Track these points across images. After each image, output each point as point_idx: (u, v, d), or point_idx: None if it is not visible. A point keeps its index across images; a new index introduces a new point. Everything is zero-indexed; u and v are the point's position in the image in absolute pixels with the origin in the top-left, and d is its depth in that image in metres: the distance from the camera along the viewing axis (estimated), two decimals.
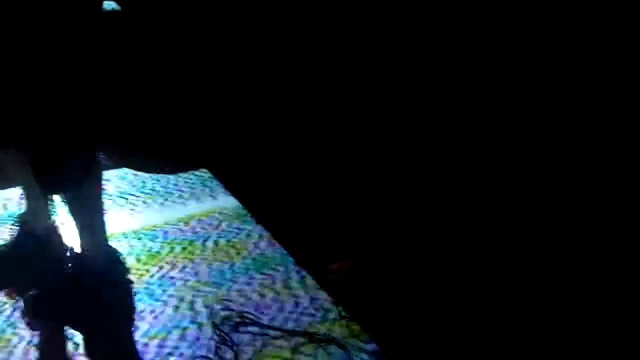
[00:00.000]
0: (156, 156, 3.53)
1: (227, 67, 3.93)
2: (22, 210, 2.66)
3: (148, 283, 2.47)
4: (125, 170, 3.35)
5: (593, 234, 2.51)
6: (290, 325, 2.19)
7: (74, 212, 2.39)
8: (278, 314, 2.25)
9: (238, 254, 2.63)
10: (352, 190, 3.03)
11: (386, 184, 3.05)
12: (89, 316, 2.26)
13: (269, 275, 2.48)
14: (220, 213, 2.93)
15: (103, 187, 2.40)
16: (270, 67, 3.80)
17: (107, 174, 3.32)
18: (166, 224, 2.85)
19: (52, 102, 2.12)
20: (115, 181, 3.24)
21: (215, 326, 2.19)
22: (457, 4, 2.99)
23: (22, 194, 2.64)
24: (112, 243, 2.58)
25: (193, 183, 3.21)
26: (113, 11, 3.94)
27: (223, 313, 2.26)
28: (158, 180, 3.26)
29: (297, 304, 2.31)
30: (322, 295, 2.34)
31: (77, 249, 2.44)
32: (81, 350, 2.14)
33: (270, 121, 3.67)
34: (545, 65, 2.72)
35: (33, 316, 2.26)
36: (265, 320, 2.22)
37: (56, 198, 2.50)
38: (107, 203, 2.99)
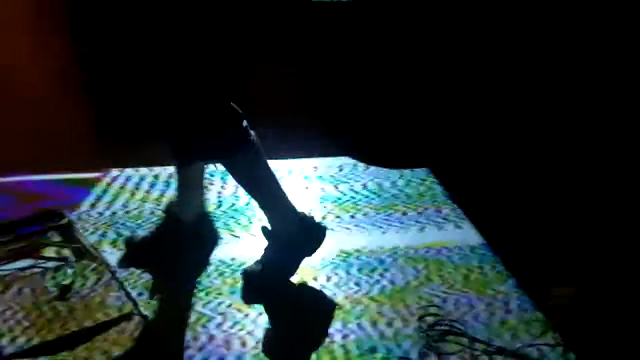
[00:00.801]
0: (381, 148, 3.65)
1: (452, 67, 3.97)
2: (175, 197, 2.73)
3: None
4: (348, 159, 3.53)
5: None
6: (499, 343, 2.12)
7: (242, 186, 2.44)
8: (487, 330, 2.20)
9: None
10: (581, 213, 2.92)
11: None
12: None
13: (490, 292, 2.43)
14: (443, 218, 2.96)
15: (265, 168, 2.38)
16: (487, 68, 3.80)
17: (329, 161, 3.55)
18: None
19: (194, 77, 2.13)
20: (334, 168, 3.44)
21: (423, 331, 2.19)
22: None
23: (175, 180, 2.69)
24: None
25: (412, 181, 3.29)
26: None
27: (432, 319, 2.25)
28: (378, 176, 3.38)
29: (510, 324, 2.24)
30: (540, 318, 2.25)
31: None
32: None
33: (490, 125, 3.66)
34: None
35: None
36: (473, 333, 2.17)
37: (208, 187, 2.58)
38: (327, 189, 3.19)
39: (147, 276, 2.52)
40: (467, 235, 2.79)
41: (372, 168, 3.41)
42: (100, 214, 3.01)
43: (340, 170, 3.43)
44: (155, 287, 2.46)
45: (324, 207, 3.04)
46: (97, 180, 3.33)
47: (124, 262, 2.60)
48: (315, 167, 3.48)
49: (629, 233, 2.74)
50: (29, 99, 4.24)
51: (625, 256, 2.59)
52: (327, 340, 2.17)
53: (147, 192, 3.22)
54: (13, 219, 2.83)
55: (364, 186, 3.24)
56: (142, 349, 2.10)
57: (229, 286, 2.45)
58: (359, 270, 2.55)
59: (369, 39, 4.15)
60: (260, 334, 2.20)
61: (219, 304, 2.36)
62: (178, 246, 2.62)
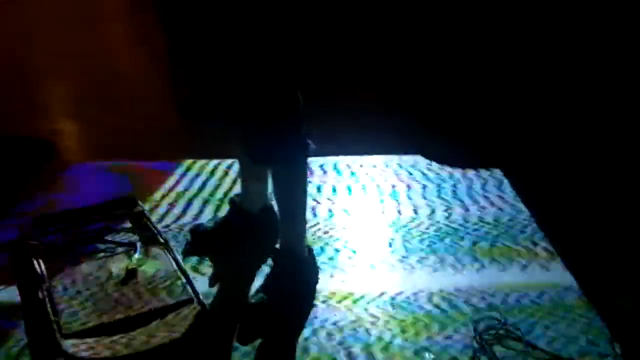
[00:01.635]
0: (453, 148, 3.60)
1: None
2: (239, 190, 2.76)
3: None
4: (419, 158, 3.50)
5: None
6: (557, 351, 2.08)
7: (277, 195, 2.42)
8: (544, 336, 2.15)
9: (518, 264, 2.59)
10: None
11: None
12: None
13: (547, 295, 2.38)
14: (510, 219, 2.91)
15: (305, 175, 2.39)
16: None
17: (400, 159, 3.52)
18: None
19: (263, 73, 2.13)
20: (407, 167, 3.42)
21: (477, 333, 2.16)
22: None
23: (240, 173, 2.73)
24: None
25: (486, 184, 3.24)
26: None
27: (487, 322, 2.21)
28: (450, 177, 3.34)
29: (569, 331, 2.18)
30: (601, 326, 2.19)
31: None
32: None
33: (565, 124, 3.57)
34: None
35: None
36: (530, 339, 2.13)
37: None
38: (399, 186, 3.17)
39: (209, 265, 2.58)
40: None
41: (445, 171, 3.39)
42: (173, 202, 3.09)
43: (412, 170, 3.42)
44: (216, 276, 2.51)
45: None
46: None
47: (188, 251, 2.67)
48: (386, 165, 3.47)
49: None
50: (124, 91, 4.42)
51: None
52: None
53: (218, 183, 3.29)
54: (87, 204, 2.94)
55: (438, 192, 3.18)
56: (198, 336, 2.13)
57: None
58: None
59: (447, 37, 4.13)
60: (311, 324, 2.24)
61: None
62: (241, 237, 2.66)
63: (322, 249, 2.69)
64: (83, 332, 2.12)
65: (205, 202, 3.09)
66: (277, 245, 2.46)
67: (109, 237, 2.73)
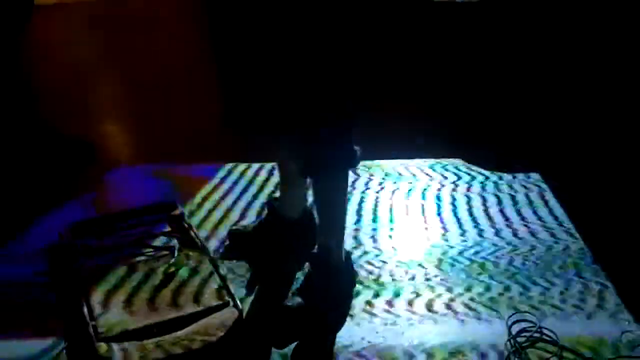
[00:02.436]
0: (493, 151, 3.57)
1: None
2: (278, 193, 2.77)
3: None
4: (459, 162, 3.48)
5: None
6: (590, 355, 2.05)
7: (317, 201, 2.40)
8: (579, 339, 2.11)
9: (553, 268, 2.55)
10: None
11: None
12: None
13: (582, 299, 2.35)
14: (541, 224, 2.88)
15: (347, 182, 2.38)
16: None
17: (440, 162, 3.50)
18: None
19: (312, 85, 2.13)
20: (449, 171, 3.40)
21: (511, 336, 2.13)
22: None
23: (279, 177, 2.71)
24: None
25: (525, 187, 3.20)
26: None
27: (522, 324, 2.19)
28: (488, 178, 3.31)
29: (605, 337, 2.15)
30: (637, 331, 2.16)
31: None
32: None
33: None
34: None
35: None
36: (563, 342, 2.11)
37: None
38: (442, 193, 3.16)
39: (247, 269, 2.59)
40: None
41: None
42: (214, 206, 3.12)
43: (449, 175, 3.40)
44: (253, 280, 2.52)
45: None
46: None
47: (226, 254, 2.68)
48: (422, 169, 3.46)
49: None
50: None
51: None
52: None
53: (261, 186, 3.30)
54: (127, 208, 2.99)
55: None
56: (234, 340, 2.15)
57: None
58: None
59: (485, 40, 4.10)
60: (347, 331, 2.24)
61: None
62: (279, 241, 2.66)
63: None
64: (120, 336, 2.15)
65: (246, 207, 3.10)
66: (315, 250, 2.46)
67: (147, 241, 2.77)
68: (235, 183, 3.35)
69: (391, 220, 2.96)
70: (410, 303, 2.37)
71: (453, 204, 3.08)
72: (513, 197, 3.10)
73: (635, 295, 2.33)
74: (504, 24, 4.09)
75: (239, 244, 2.74)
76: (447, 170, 3.41)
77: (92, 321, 2.20)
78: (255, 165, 3.53)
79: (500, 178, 3.27)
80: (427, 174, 3.38)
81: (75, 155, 3.67)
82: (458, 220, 2.93)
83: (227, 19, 2.19)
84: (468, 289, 2.43)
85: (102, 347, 2.07)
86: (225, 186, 3.32)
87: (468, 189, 3.20)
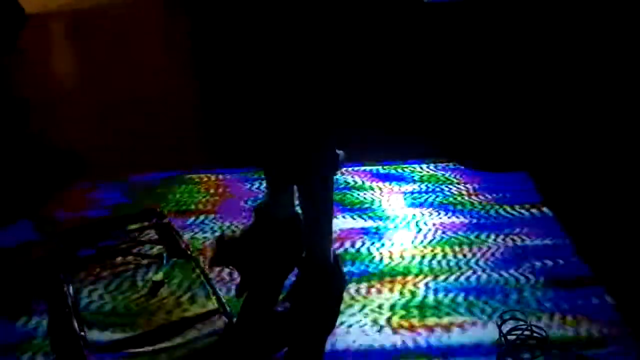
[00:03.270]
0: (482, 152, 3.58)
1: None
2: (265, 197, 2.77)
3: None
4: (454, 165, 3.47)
5: None
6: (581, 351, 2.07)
7: (304, 205, 2.43)
8: (570, 337, 2.14)
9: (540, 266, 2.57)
10: None
11: None
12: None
13: (570, 296, 2.36)
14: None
15: (332, 186, 2.42)
16: None
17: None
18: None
19: (292, 94, 2.16)
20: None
21: (501, 334, 2.13)
22: None
23: (266, 183, 2.73)
24: None
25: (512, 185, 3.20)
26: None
27: (512, 323, 2.19)
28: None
29: (594, 333, 2.17)
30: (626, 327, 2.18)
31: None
32: None
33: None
34: None
35: None
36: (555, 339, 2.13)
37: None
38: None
39: (235, 275, 2.58)
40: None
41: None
42: (200, 213, 3.09)
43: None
44: (242, 286, 2.51)
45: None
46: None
47: (214, 261, 2.67)
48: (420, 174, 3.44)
49: None
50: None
51: None
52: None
53: (247, 192, 3.27)
54: (115, 215, 2.98)
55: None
56: (225, 346, 2.15)
57: None
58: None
59: (470, 41, 4.11)
60: (347, 338, 2.23)
61: None
62: (267, 246, 2.65)
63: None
64: (109, 346, 2.14)
65: (233, 213, 3.08)
66: (303, 254, 2.45)
67: (135, 250, 2.75)
68: (224, 190, 3.33)
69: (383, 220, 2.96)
70: (400, 304, 2.37)
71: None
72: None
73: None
74: (495, 22, 4.11)
75: (227, 250, 2.72)
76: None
77: (81, 331, 2.19)
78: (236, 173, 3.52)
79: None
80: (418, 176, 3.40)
81: (62, 166, 3.65)
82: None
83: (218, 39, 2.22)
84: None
85: (92, 357, 2.07)
86: (211, 193, 3.31)
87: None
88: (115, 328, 2.24)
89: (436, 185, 3.23)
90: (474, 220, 2.89)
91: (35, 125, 4.15)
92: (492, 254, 2.63)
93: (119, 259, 2.69)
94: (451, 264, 2.59)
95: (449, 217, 2.93)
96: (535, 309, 2.28)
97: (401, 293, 2.42)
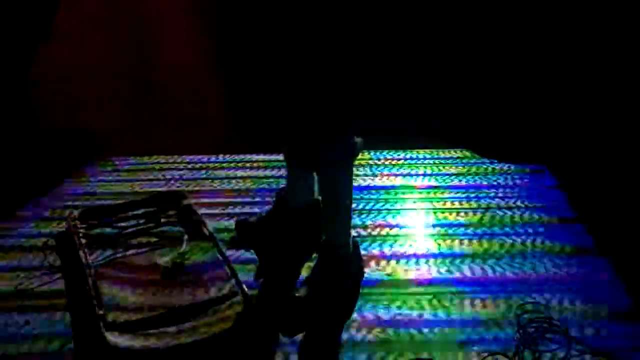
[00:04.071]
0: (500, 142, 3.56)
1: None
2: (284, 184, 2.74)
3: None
4: (465, 152, 3.49)
5: None
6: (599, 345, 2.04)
7: (322, 192, 2.44)
8: (588, 331, 2.11)
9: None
10: None
11: None
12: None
13: (588, 289, 2.34)
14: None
15: (352, 173, 2.38)
16: None
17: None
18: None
19: (311, 81, 2.16)
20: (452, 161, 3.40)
21: (520, 326, 2.12)
22: None
23: (286, 169, 2.69)
24: None
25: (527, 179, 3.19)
26: None
27: (530, 315, 2.18)
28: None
29: (613, 326, 2.15)
30: None
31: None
32: None
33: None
34: None
35: None
36: (573, 333, 2.10)
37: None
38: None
39: (255, 259, 2.59)
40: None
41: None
42: (217, 195, 3.13)
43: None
44: (261, 269, 2.52)
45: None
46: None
47: (234, 244, 2.68)
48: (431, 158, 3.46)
49: None
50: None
51: None
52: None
53: (265, 176, 3.31)
54: (136, 197, 2.99)
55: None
56: (242, 328, 2.15)
57: None
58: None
59: (498, 31, 4.08)
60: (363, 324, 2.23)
61: None
62: (286, 231, 2.66)
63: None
64: (128, 325, 2.15)
65: (253, 196, 3.11)
66: (322, 241, 2.45)
67: (155, 230, 2.77)
68: (239, 174, 3.36)
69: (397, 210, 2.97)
70: (418, 292, 2.37)
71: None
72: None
73: None
74: (520, 10, 4.08)
75: (247, 234, 2.73)
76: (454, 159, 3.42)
77: (100, 309, 2.20)
78: (258, 157, 3.54)
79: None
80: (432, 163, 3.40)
81: (79, 146, 3.67)
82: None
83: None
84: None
85: (110, 335, 2.07)
86: (230, 176, 3.33)
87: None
88: (135, 309, 2.25)
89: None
90: None
91: (58, 107, 4.18)
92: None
93: (140, 239, 2.71)
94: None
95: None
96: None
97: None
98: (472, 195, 3.05)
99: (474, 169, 3.31)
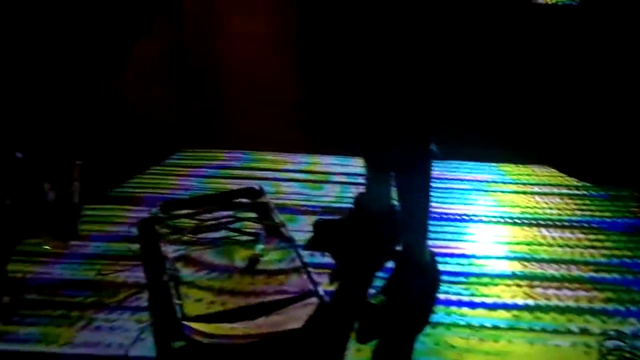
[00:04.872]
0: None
1: None
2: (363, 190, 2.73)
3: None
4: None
5: None
6: None
7: (400, 199, 2.39)
8: None
9: None
10: None
11: None
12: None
13: None
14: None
15: (431, 177, 2.33)
16: None
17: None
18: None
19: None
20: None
21: (602, 354, 2.07)
22: None
23: (366, 173, 2.68)
24: None
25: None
26: None
27: (613, 342, 2.12)
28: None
29: None
30: None
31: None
32: None
33: None
34: None
35: None
36: None
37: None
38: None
39: (331, 260, 2.58)
40: None
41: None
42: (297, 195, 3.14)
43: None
44: (337, 272, 2.51)
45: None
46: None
47: (311, 245, 2.68)
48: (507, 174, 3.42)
49: None
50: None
51: None
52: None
53: (346, 180, 3.30)
54: (215, 193, 3.03)
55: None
56: (317, 329, 2.14)
57: None
58: None
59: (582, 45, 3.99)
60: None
61: None
62: (363, 237, 2.65)
63: None
64: (204, 317, 2.16)
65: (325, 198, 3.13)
66: (400, 248, 2.43)
67: (233, 226, 2.79)
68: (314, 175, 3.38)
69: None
70: (493, 309, 2.34)
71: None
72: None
73: None
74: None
75: (324, 235, 2.73)
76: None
77: (178, 301, 2.22)
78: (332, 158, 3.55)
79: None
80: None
81: (165, 138, 3.72)
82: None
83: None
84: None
85: (187, 327, 2.09)
86: (306, 177, 3.35)
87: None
88: (210, 302, 2.27)
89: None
90: None
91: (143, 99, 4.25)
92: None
93: (217, 233, 2.74)
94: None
95: None
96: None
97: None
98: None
99: None
